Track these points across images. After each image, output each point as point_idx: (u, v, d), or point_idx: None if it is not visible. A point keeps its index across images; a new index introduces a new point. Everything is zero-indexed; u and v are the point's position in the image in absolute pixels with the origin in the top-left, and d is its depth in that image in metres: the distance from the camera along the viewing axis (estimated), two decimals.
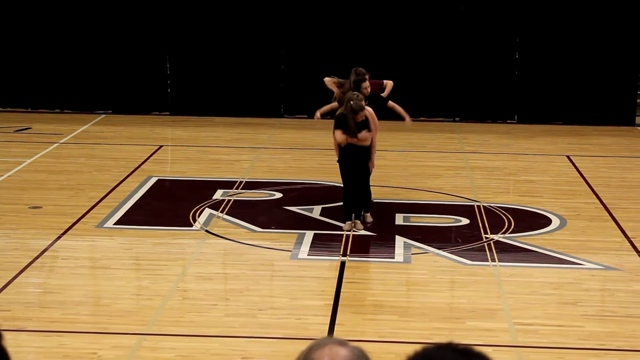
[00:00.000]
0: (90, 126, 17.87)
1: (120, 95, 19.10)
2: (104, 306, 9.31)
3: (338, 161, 11.59)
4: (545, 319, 9.03)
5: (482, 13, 18.54)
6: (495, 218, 12.21)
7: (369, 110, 11.52)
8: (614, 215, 12.42)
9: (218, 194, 13.16)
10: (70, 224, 11.66)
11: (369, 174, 11.63)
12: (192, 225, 11.78)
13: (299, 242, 11.17)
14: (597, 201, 13.10)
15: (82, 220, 11.88)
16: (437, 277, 10.17)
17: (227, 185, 13.66)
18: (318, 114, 12.55)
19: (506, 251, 10.97)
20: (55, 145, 16.17)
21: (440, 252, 10.90)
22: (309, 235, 11.43)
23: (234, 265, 10.63)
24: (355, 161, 11.43)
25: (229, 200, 12.85)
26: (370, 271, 10.46)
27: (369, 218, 11.88)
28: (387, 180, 13.66)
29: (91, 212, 12.22)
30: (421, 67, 18.69)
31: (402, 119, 12.73)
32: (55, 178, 13.94)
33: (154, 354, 8.16)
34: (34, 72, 19.05)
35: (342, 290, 9.67)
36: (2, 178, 13.88)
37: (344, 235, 11.40)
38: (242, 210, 12.46)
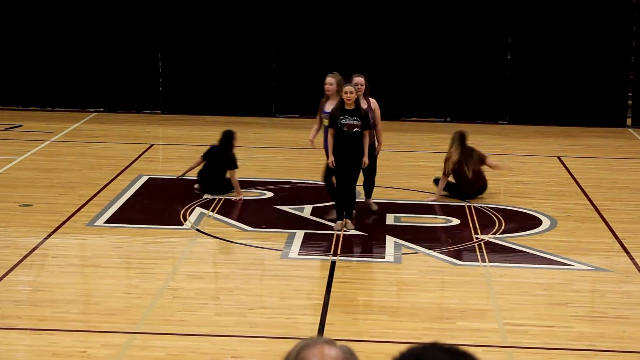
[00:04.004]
0: (81, 124, 17.85)
1: (112, 93, 19.08)
2: (94, 305, 9.29)
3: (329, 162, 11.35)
4: (535, 319, 9.04)
5: (474, 14, 18.56)
6: (486, 218, 12.22)
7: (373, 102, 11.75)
8: (604, 216, 12.44)
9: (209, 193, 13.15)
10: (61, 222, 11.64)
11: (357, 176, 11.50)
12: (182, 224, 11.76)
13: (290, 241, 11.16)
14: (588, 202, 13.12)
15: (72, 218, 11.85)
16: (428, 277, 10.18)
17: None
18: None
19: (496, 252, 10.98)
20: (46, 143, 16.14)
21: (430, 252, 10.90)
22: (300, 234, 11.42)
23: (225, 264, 10.62)
24: (347, 154, 11.28)
25: (220, 199, 12.84)
26: (360, 271, 10.45)
27: (350, 225, 11.51)
28: (378, 180, 13.62)
29: (82, 210, 12.20)
30: (413, 67, 18.71)
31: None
32: (45, 176, 13.92)
33: (144, 352, 8.15)
34: (26, 70, 19.02)
35: (332, 289, 9.66)
36: None
37: (335, 235, 11.40)
38: (233, 209, 12.45)
